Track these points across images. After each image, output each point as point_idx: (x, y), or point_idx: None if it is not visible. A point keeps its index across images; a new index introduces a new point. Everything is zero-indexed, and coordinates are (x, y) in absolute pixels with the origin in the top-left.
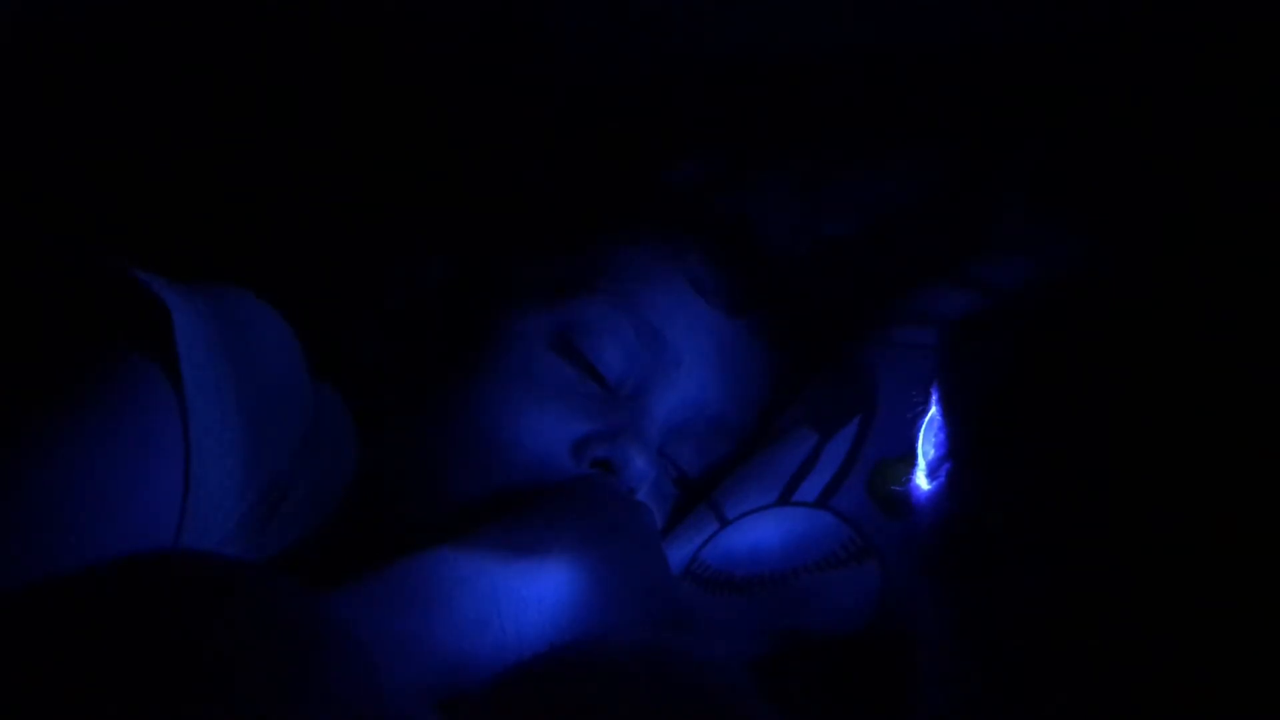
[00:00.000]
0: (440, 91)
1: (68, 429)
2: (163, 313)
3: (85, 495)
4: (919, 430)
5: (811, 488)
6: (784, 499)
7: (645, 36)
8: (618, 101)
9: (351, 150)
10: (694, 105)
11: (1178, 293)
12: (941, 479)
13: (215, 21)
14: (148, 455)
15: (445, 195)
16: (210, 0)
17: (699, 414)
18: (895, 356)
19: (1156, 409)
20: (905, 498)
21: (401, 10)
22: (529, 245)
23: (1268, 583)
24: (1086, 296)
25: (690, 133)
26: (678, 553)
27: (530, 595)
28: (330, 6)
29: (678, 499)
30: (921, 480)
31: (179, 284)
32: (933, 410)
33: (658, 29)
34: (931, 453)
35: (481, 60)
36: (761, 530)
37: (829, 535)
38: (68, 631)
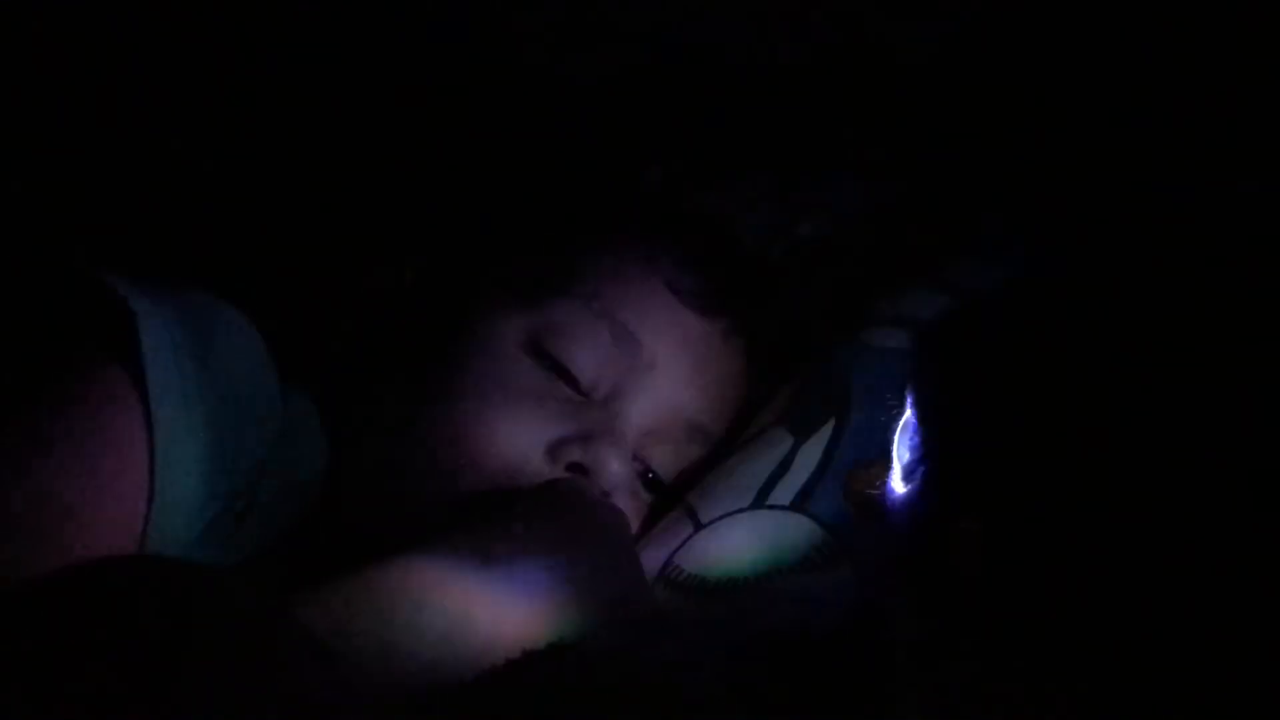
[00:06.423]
0: (414, 93)
1: (29, 433)
2: (128, 315)
3: (47, 500)
4: (894, 433)
5: (786, 491)
6: (759, 503)
7: (621, 38)
8: (592, 102)
9: (324, 152)
10: (669, 106)
11: (1155, 297)
12: (917, 482)
13: (190, 22)
14: (111, 460)
15: (418, 198)
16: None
17: (673, 417)
18: (870, 359)
19: (1134, 412)
20: (880, 501)
21: (379, 9)
22: (502, 247)
23: (1252, 584)
24: (1062, 300)
25: (665, 133)
26: (652, 557)
27: (503, 600)
28: (304, 7)
29: (652, 503)
30: (896, 484)
31: (145, 286)
32: (908, 413)
33: (633, 30)
34: (906, 456)
35: (455, 60)
36: (736, 534)
37: (804, 539)
38: (28, 636)
